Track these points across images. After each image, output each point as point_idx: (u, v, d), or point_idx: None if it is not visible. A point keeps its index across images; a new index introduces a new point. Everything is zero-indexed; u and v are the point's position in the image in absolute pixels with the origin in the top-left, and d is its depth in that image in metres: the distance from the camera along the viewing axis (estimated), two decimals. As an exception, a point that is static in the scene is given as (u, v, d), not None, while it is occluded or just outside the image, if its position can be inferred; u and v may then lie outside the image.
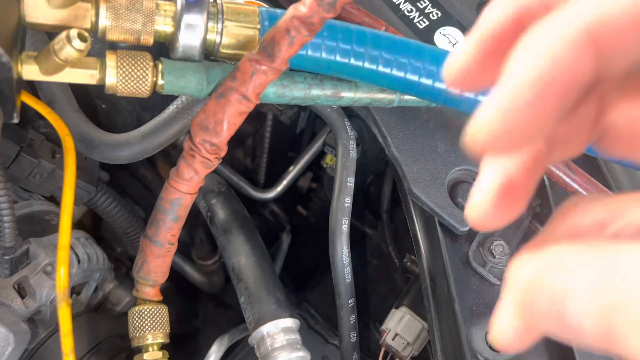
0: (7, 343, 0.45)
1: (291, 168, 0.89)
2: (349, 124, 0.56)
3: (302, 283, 1.00)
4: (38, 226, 0.59)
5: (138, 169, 0.99)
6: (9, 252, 0.42)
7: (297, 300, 0.93)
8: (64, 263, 0.40)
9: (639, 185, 0.58)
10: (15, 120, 0.38)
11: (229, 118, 0.41)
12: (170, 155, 0.92)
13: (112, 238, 0.83)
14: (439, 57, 0.45)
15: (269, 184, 0.94)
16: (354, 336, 0.57)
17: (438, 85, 0.45)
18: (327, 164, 0.80)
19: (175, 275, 1.07)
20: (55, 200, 0.64)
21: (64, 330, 0.40)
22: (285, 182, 0.89)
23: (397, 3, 0.61)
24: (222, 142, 0.43)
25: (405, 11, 0.61)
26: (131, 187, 0.96)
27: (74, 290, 0.62)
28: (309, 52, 0.44)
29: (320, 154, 0.86)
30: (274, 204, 1.10)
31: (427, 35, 0.60)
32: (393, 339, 0.62)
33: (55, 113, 0.46)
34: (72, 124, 0.53)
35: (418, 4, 0.62)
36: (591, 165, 0.59)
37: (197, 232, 0.92)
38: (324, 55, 0.44)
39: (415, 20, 0.61)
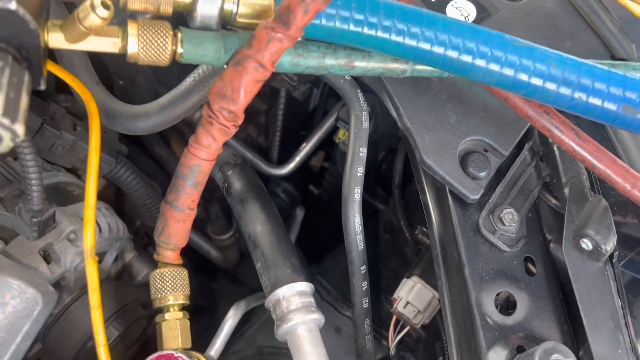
0: (35, 303, 0.47)
1: (303, 145, 0.90)
2: (362, 95, 0.57)
3: (315, 258, 1.02)
4: (61, 196, 0.61)
5: (154, 147, 1.01)
6: (37, 215, 0.44)
7: (310, 274, 0.94)
8: (90, 222, 0.42)
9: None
10: (43, 87, 0.40)
11: (246, 86, 0.43)
12: (184, 134, 0.94)
13: (132, 212, 0.85)
14: (451, 25, 0.46)
15: (282, 162, 0.96)
16: (365, 302, 0.58)
17: (450, 53, 0.46)
18: (340, 139, 0.81)
19: (192, 252, 1.10)
20: (76, 172, 0.66)
21: (91, 286, 0.42)
22: (298, 159, 0.91)
23: (409, -24, 0.62)
24: (239, 110, 0.44)
25: (418, -16, 0.62)
26: (147, 166, 0.98)
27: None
28: (323, 22, 0.45)
29: (332, 133, 0.87)
30: (287, 183, 1.12)
31: (439, 8, 0.61)
32: (404, 307, 0.64)
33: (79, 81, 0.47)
34: (93, 95, 0.55)
35: (431, -23, 0.62)
36: (600, 134, 0.60)
37: (212, 207, 0.93)
38: (337, 24, 0.45)
39: (426, -7, 0.62)
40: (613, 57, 0.63)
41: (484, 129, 0.56)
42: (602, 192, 0.56)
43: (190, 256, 1.12)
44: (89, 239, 0.42)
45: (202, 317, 1.01)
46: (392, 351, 0.66)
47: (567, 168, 0.57)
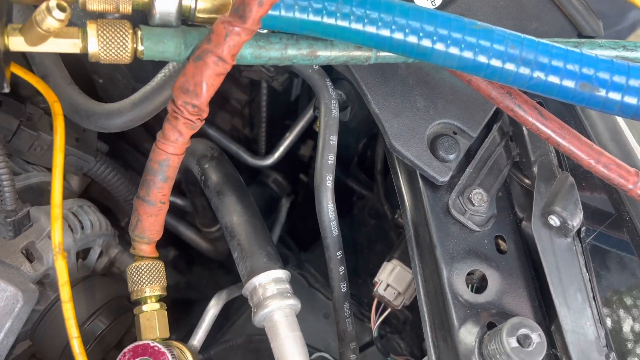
0: (16, 300, 0.49)
1: (287, 135, 0.91)
2: (331, 83, 0.58)
3: (305, 245, 1.04)
4: (41, 196, 0.62)
5: (142, 143, 1.02)
6: (10, 215, 0.45)
7: (298, 262, 0.96)
8: (57, 220, 0.43)
9: (615, 130, 0.59)
10: (6, 90, 0.40)
11: (207, 80, 0.43)
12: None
13: (117, 209, 0.86)
14: (409, 11, 0.47)
15: (270, 152, 0.97)
16: (344, 287, 0.60)
17: (410, 39, 0.47)
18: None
19: (184, 245, 1.11)
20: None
21: (61, 281, 0.43)
22: (281, 149, 0.92)
23: (375, -37, 0.62)
24: (203, 103, 0.45)
25: (384, -29, 0.62)
26: (135, 161, 0.99)
27: (80, 255, 0.65)
28: (283, 12, 0.46)
29: (314, 121, 0.88)
30: (276, 173, 1.13)
31: (406, -6, 0.62)
32: (385, 290, 0.65)
33: (46, 83, 0.48)
34: (65, 95, 0.56)
35: (396, -37, 0.63)
36: (569, 112, 0.61)
37: (198, 199, 0.94)
38: (297, 14, 0.46)
39: (394, -20, 0.62)
40: (580, 35, 0.63)
41: (452, 112, 0.57)
42: (572, 169, 0.57)
43: (184, 249, 1.14)
44: (56, 236, 0.43)
45: (196, 308, 1.03)
46: (375, 333, 0.67)
47: (535, 147, 0.57)
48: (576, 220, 0.52)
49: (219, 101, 1.02)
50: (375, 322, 0.66)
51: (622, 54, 0.59)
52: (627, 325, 0.52)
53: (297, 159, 1.11)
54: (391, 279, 0.65)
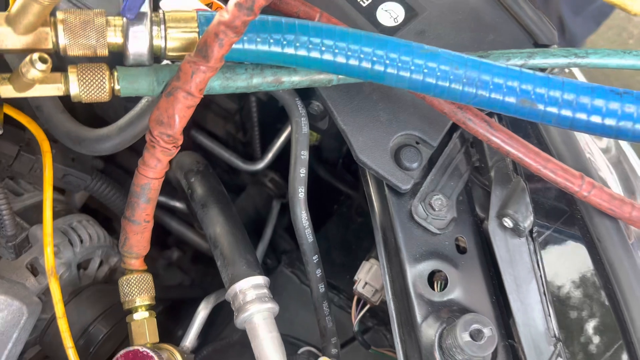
0: (21, 313, 0.54)
1: (275, 140, 0.96)
2: (300, 102, 0.62)
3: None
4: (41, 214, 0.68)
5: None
6: (11, 239, 0.50)
7: (290, 260, 1.01)
8: (49, 245, 0.49)
9: (567, 134, 0.63)
10: (0, 132, 0.46)
11: (179, 112, 0.48)
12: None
13: (116, 219, 0.92)
14: (362, 39, 0.51)
15: (261, 157, 1.02)
16: (322, 287, 0.65)
17: (364, 65, 0.51)
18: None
19: (187, 246, 1.17)
20: (56, 189, 0.72)
21: (55, 299, 0.49)
22: (271, 154, 0.97)
23: (341, -16, 0.67)
24: (177, 133, 0.50)
25: (349, -9, 0.66)
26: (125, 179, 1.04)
27: (81, 266, 0.71)
28: (246, 46, 0.50)
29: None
30: (273, 173, 1.18)
31: (370, 12, 0.66)
32: (363, 287, 0.70)
33: (39, 122, 0.53)
34: (58, 124, 0.61)
35: (361, -18, 0.67)
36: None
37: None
38: (259, 47, 0.51)
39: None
40: (536, 44, 0.67)
41: (413, 124, 0.61)
42: (527, 172, 0.61)
43: (188, 249, 1.20)
44: (49, 260, 0.48)
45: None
46: (355, 327, 0.72)
47: (492, 153, 0.62)
48: (527, 222, 0.57)
49: (212, 108, 1.07)
50: (355, 317, 0.71)
51: (573, 61, 0.63)
52: (574, 316, 0.56)
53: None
54: (369, 277, 0.70)
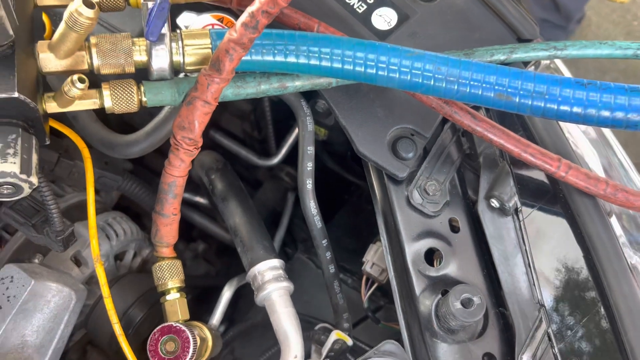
0: (70, 298, 0.63)
1: (287, 136, 1.04)
2: (305, 102, 0.69)
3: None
4: (83, 212, 0.76)
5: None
6: (59, 234, 0.58)
7: (306, 247, 1.08)
8: (95, 237, 0.57)
9: (552, 129, 0.69)
10: (47, 142, 0.54)
11: (198, 118, 0.56)
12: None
13: (146, 215, 1.00)
14: (355, 45, 0.58)
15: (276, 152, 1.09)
16: (332, 268, 0.72)
17: (357, 69, 0.58)
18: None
19: (212, 239, 1.25)
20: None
21: (101, 281, 0.57)
22: (284, 150, 1.04)
23: (339, -7, 0.73)
24: (197, 136, 0.57)
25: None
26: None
27: (118, 257, 0.79)
28: (253, 57, 0.58)
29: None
30: (288, 167, 1.25)
31: (366, 17, 0.73)
32: (371, 267, 0.78)
33: (75, 131, 0.61)
34: (93, 132, 0.69)
35: (357, -9, 0.74)
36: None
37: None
38: (265, 57, 0.58)
39: (355, 6, 0.73)
40: (519, 39, 0.73)
41: (408, 118, 0.68)
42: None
43: (213, 242, 1.28)
44: (96, 249, 0.56)
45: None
46: (365, 304, 0.79)
47: (481, 141, 0.68)
48: (511, 202, 0.63)
49: (229, 109, 1.14)
50: (365, 295, 0.78)
51: (553, 53, 0.69)
52: (557, 284, 0.63)
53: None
54: (375, 258, 0.77)
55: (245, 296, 0.83)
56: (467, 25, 0.72)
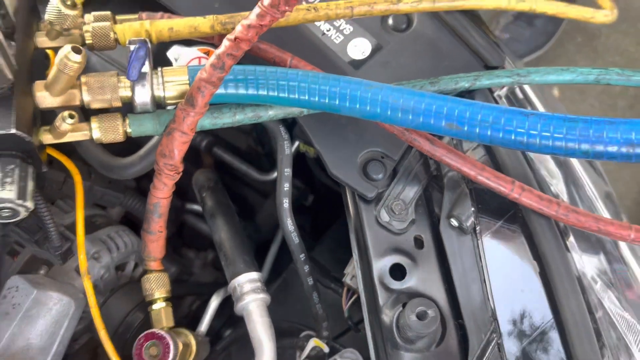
0: (70, 306, 0.70)
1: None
2: (284, 128, 0.75)
3: (315, 237, 1.22)
4: (87, 226, 0.84)
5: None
6: (57, 249, 0.66)
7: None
8: (82, 253, 0.64)
9: (513, 153, 0.73)
10: (45, 170, 0.61)
11: (177, 147, 0.62)
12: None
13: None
14: (319, 79, 0.63)
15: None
16: (310, 280, 0.78)
17: (323, 100, 0.64)
18: (302, 149, 0.99)
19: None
20: (98, 206, 0.89)
21: (88, 292, 0.64)
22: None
23: (318, 25, 0.79)
24: (177, 162, 0.64)
25: (325, 30, 0.79)
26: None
27: (119, 268, 0.87)
28: (228, 91, 0.64)
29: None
30: (295, 178, 1.31)
31: (342, 48, 0.78)
32: (351, 279, 0.83)
33: (79, 154, 0.69)
34: (93, 155, 0.77)
35: (335, 22, 0.79)
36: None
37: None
38: (239, 91, 0.64)
39: (332, 37, 0.79)
40: (486, 66, 0.77)
41: (377, 142, 0.73)
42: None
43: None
44: (84, 263, 0.64)
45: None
46: (346, 313, 0.85)
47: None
48: (469, 222, 0.68)
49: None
50: (345, 305, 0.84)
51: (517, 79, 0.73)
52: (511, 298, 0.67)
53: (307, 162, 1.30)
54: (355, 271, 0.83)
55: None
56: (436, 54, 0.77)
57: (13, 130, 0.55)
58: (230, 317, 1.16)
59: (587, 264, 0.72)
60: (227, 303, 0.92)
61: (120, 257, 0.84)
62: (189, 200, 1.20)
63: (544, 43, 1.94)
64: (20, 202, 0.55)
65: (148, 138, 0.99)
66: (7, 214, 0.56)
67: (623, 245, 0.86)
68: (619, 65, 1.83)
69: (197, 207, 1.18)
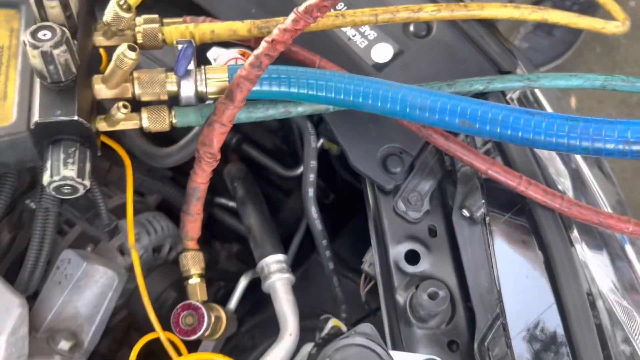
0: (114, 279, 0.77)
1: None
2: (310, 124, 0.82)
3: (335, 233, 1.29)
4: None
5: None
6: (106, 227, 0.74)
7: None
8: (132, 231, 0.71)
9: (521, 150, 0.78)
10: (99, 154, 0.69)
11: (216, 137, 0.69)
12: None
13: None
14: (344, 79, 0.70)
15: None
16: (331, 265, 0.84)
17: (348, 98, 0.70)
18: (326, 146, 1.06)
19: (246, 241, 1.39)
20: (137, 192, 0.96)
21: (135, 262, 0.72)
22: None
23: (344, 30, 0.86)
24: (215, 151, 0.71)
25: (351, 35, 0.86)
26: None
27: (156, 250, 0.94)
28: (263, 88, 0.71)
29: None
30: (317, 177, 1.37)
31: (366, 52, 0.85)
32: (368, 267, 0.89)
33: (123, 143, 0.77)
34: (137, 145, 0.85)
35: (360, 28, 0.86)
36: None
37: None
38: (273, 88, 0.71)
39: (358, 42, 0.86)
40: (500, 71, 0.83)
41: (397, 138, 0.80)
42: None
43: (246, 243, 1.42)
44: (132, 238, 0.71)
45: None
46: (363, 298, 0.91)
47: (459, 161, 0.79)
48: (479, 212, 0.74)
49: (262, 125, 1.29)
50: (363, 290, 0.90)
51: (527, 84, 0.80)
52: (518, 283, 0.72)
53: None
54: (373, 259, 0.89)
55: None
56: (453, 59, 0.83)
57: (75, 117, 0.62)
58: (252, 307, 1.23)
59: (589, 257, 0.77)
60: (248, 297, 0.99)
61: (157, 240, 0.92)
62: (217, 195, 1.28)
63: (563, 53, 1.99)
64: (79, 180, 0.63)
65: (180, 133, 1.08)
66: (67, 191, 0.63)
67: (628, 247, 0.91)
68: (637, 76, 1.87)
69: (224, 201, 1.26)
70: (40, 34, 0.60)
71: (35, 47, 0.59)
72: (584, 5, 1.92)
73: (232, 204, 1.27)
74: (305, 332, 0.96)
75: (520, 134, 0.65)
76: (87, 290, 0.76)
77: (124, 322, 0.97)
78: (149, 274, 0.90)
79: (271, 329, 0.96)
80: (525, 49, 1.97)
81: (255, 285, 0.91)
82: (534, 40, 1.98)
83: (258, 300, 1.15)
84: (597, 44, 1.97)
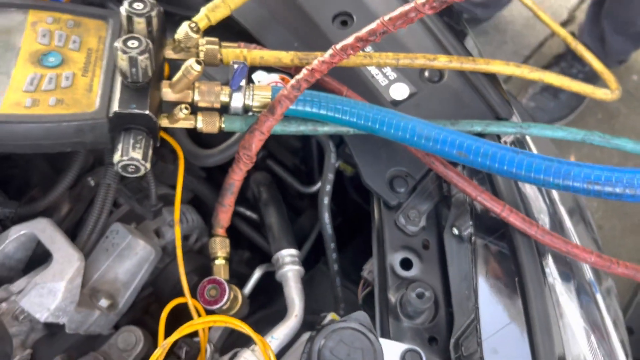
0: (151, 253, 0.91)
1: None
2: (332, 143, 0.97)
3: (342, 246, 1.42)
4: (166, 200, 1.06)
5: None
6: (153, 207, 0.87)
7: (325, 261, 1.34)
8: (178, 212, 0.85)
9: (508, 181, 0.93)
10: (158, 145, 0.83)
11: (255, 142, 0.84)
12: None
13: (210, 212, 1.29)
14: (365, 107, 0.85)
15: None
16: (336, 266, 0.97)
17: (367, 124, 0.85)
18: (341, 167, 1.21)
19: (256, 248, 1.52)
20: (174, 187, 1.10)
21: (177, 236, 0.85)
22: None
23: (369, 69, 1.02)
24: (253, 154, 0.85)
25: (374, 74, 1.01)
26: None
27: (185, 238, 1.08)
28: (298, 107, 0.86)
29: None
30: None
31: (386, 89, 1.00)
32: (367, 274, 1.02)
33: (175, 139, 0.91)
34: (184, 144, 1.00)
35: (383, 69, 1.02)
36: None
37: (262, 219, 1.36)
38: (306, 108, 0.86)
39: (379, 80, 1.01)
40: (497, 117, 0.98)
41: (403, 162, 0.94)
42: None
43: (257, 250, 1.55)
44: (178, 215, 0.85)
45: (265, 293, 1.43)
46: (360, 301, 1.03)
47: (454, 188, 0.93)
48: (466, 232, 0.87)
49: (285, 145, 1.43)
50: (360, 294, 1.03)
51: (519, 130, 0.94)
52: (493, 295, 0.85)
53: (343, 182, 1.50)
54: (371, 267, 1.02)
55: (276, 289, 1.10)
56: (459, 103, 0.98)
57: (147, 112, 0.77)
58: (260, 305, 1.36)
59: (557, 282, 0.90)
60: (258, 294, 1.12)
61: (187, 229, 1.06)
62: (237, 204, 1.42)
63: (567, 115, 2.15)
64: (143, 162, 0.77)
65: (216, 140, 1.23)
66: (131, 170, 0.78)
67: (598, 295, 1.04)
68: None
69: (242, 210, 1.40)
70: (129, 43, 0.76)
71: (125, 52, 0.75)
72: (589, 74, 2.08)
73: (249, 213, 1.41)
74: (306, 327, 1.08)
75: (505, 167, 0.79)
76: (127, 260, 0.89)
77: (148, 299, 1.10)
78: (174, 258, 1.04)
79: (274, 323, 1.08)
80: (532, 108, 2.12)
81: (264, 289, 1.04)
82: (541, 101, 2.14)
83: (263, 301, 1.28)
84: (599, 110, 2.12)
